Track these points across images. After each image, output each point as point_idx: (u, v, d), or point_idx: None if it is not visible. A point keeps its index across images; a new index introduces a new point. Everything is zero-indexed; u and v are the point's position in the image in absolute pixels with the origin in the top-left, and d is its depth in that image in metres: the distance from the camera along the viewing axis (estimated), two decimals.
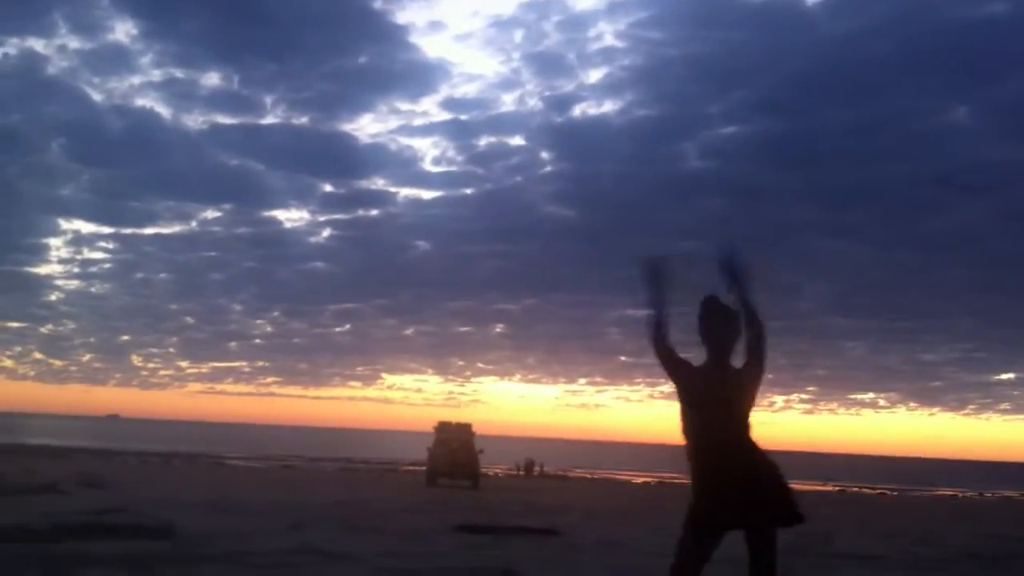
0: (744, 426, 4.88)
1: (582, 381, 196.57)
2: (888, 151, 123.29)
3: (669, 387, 5.05)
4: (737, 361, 4.97)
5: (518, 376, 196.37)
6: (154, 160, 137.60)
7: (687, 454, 4.94)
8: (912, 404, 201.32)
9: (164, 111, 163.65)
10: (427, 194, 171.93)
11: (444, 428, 34.99)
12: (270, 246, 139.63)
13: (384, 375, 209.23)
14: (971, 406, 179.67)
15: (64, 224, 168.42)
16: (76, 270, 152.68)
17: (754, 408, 4.94)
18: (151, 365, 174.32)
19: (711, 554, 4.83)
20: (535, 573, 9.73)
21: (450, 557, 11.10)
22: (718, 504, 4.76)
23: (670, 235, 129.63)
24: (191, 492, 21.17)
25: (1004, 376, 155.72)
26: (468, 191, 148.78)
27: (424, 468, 34.99)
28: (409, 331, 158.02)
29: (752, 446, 4.88)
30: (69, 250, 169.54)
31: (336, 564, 10.13)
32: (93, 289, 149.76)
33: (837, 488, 59.07)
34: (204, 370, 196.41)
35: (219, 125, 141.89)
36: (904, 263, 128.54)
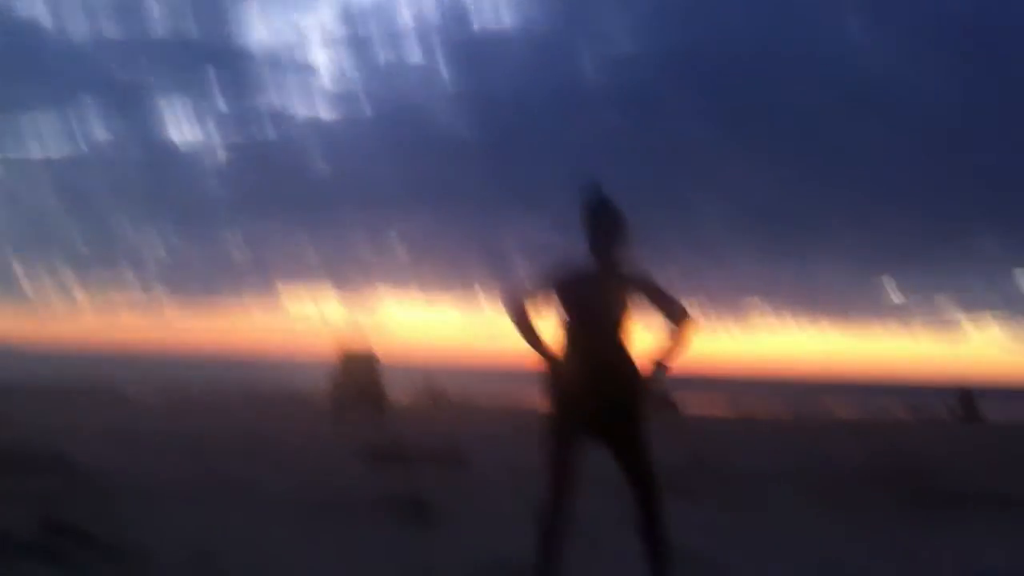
0: (620, 336, 4.81)
1: (484, 300, 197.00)
2: (786, 67, 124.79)
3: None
4: (623, 265, 4.88)
5: (421, 296, 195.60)
6: (40, 76, 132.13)
7: (552, 361, 4.87)
8: (804, 322, 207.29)
9: (48, 23, 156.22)
10: (325, 113, 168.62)
11: (347, 355, 34.82)
12: (163, 167, 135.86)
13: (284, 296, 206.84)
14: (856, 319, 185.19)
15: None
16: None
17: (634, 319, 4.84)
18: (42, 291, 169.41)
19: (579, 464, 4.81)
20: (444, 501, 9.82)
21: (355, 487, 11.12)
22: (575, 408, 4.76)
23: (570, 152, 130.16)
24: (85, 424, 20.76)
25: (891, 291, 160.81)
26: (367, 110, 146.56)
27: (327, 397, 34.86)
28: (309, 251, 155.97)
29: (623, 357, 4.81)
30: None
31: (238, 495, 10.07)
32: None
33: (732, 407, 60.69)
34: (97, 295, 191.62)
35: (106, 39, 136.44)
36: (796, 178, 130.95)
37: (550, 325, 4.88)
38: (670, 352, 4.82)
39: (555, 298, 4.85)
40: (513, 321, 4.90)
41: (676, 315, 4.83)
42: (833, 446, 22.77)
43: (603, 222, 4.84)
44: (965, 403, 57.88)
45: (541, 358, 4.86)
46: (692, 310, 4.82)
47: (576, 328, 4.82)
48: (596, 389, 4.74)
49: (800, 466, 16.39)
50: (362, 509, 9.01)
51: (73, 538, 6.53)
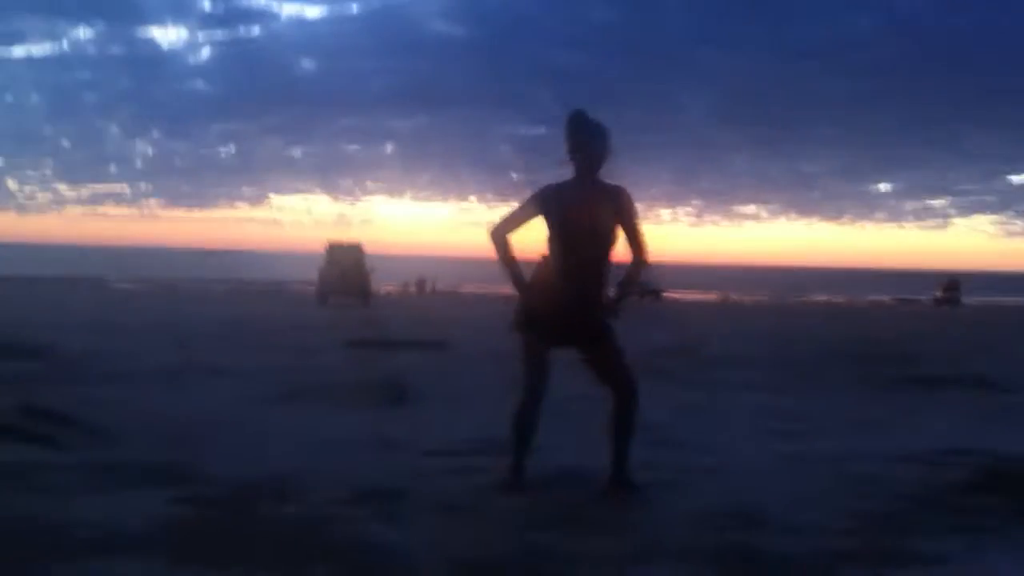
0: (607, 250, 4.97)
1: (473, 199, 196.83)
2: None
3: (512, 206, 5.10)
4: (606, 178, 5.00)
5: (409, 195, 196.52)
6: None
7: (541, 266, 5.06)
8: (792, 215, 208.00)
9: None
10: (311, 10, 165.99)
11: (334, 248, 34.88)
12: (147, 66, 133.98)
13: (272, 195, 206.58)
14: (848, 215, 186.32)
15: None
16: None
17: (617, 235, 4.98)
18: (27, 188, 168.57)
19: (550, 351, 5.05)
20: (424, 383, 9.94)
21: (338, 371, 11.23)
22: (552, 320, 4.95)
23: (558, 49, 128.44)
24: (73, 315, 20.83)
25: (881, 186, 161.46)
26: (353, 7, 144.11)
27: (314, 288, 34.99)
28: (296, 151, 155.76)
29: (605, 274, 5.00)
30: None
31: (222, 379, 10.17)
32: None
33: (719, 297, 61.16)
34: (84, 193, 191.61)
35: None
36: (786, 74, 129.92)
37: (537, 239, 5.06)
38: (626, 282, 5.12)
39: (543, 212, 4.97)
40: (497, 252, 5.11)
41: (639, 251, 5.04)
42: (814, 331, 23.05)
43: (585, 137, 4.93)
44: (949, 290, 58.59)
45: (515, 284, 5.10)
46: (648, 253, 5.04)
47: (560, 241, 4.96)
48: (567, 306, 4.93)
49: (777, 350, 16.62)
50: (342, 391, 9.11)
51: (52, 420, 6.60)
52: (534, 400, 5.03)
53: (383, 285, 49.38)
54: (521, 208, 5.05)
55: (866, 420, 8.36)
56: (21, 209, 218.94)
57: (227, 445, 6.42)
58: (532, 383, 5.03)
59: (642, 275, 5.16)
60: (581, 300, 4.93)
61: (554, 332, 4.99)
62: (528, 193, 5.07)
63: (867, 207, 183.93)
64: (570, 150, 4.98)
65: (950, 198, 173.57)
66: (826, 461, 6.01)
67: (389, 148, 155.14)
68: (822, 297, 68.26)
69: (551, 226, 4.97)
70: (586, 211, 4.90)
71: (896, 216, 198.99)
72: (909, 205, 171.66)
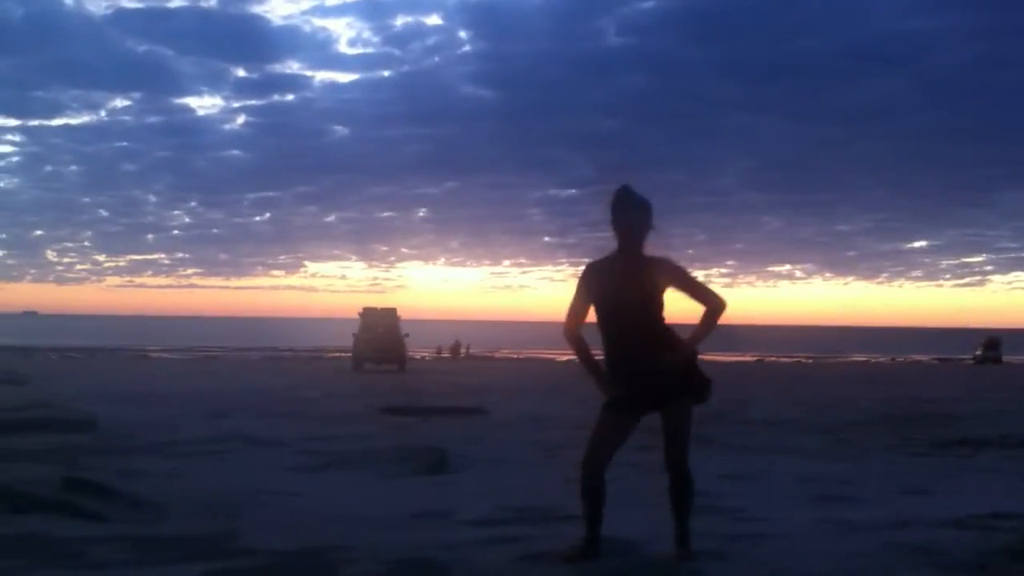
0: (655, 318, 4.98)
1: (506, 263, 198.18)
2: (805, 24, 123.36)
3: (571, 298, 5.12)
4: (648, 251, 5.03)
5: (442, 260, 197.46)
6: (58, 48, 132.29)
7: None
8: (827, 274, 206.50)
9: None
10: (343, 77, 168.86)
11: (369, 313, 35.03)
12: (183, 134, 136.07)
13: (307, 263, 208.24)
14: (884, 274, 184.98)
15: None
16: None
17: (664, 296, 4.99)
18: (67, 260, 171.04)
19: (629, 433, 5.03)
20: (462, 450, 9.91)
21: (377, 439, 11.24)
22: (632, 390, 4.92)
23: (591, 113, 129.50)
24: (114, 386, 21.01)
25: (916, 244, 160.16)
26: (385, 73, 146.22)
27: (350, 354, 35.09)
28: (331, 218, 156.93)
29: (661, 336, 4.97)
30: None
31: (262, 449, 10.20)
32: (1, 184, 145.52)
33: (755, 358, 60.69)
34: (122, 263, 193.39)
35: (124, 9, 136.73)
36: (819, 136, 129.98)
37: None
38: (699, 332, 5.07)
39: (588, 292, 5.03)
40: (574, 352, 5.11)
41: (709, 301, 5.05)
42: (854, 393, 22.78)
43: (628, 212, 4.99)
44: (990, 348, 57.77)
45: (596, 380, 5.06)
46: (723, 300, 5.06)
47: (611, 319, 4.99)
48: (637, 377, 4.91)
49: (817, 413, 16.43)
50: (380, 459, 9.09)
51: (94, 493, 6.64)
52: (594, 465, 4.95)
53: (418, 350, 49.52)
54: (576, 295, 5.07)
55: (910, 485, 8.22)
56: (60, 280, 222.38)
57: (266, 516, 6.42)
58: (595, 447, 4.97)
59: (718, 321, 5.07)
60: (642, 366, 4.90)
61: (634, 404, 4.97)
62: (567, 265, 5.10)
63: (904, 265, 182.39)
64: (614, 224, 5.00)
65: (987, 255, 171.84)
66: (873, 528, 5.91)
67: (422, 213, 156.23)
68: (860, 357, 67.57)
69: (598, 306, 5.00)
70: (627, 284, 4.92)
71: (933, 274, 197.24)
72: (946, 263, 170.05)
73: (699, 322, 5.07)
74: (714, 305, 5.04)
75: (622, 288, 4.93)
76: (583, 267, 5.11)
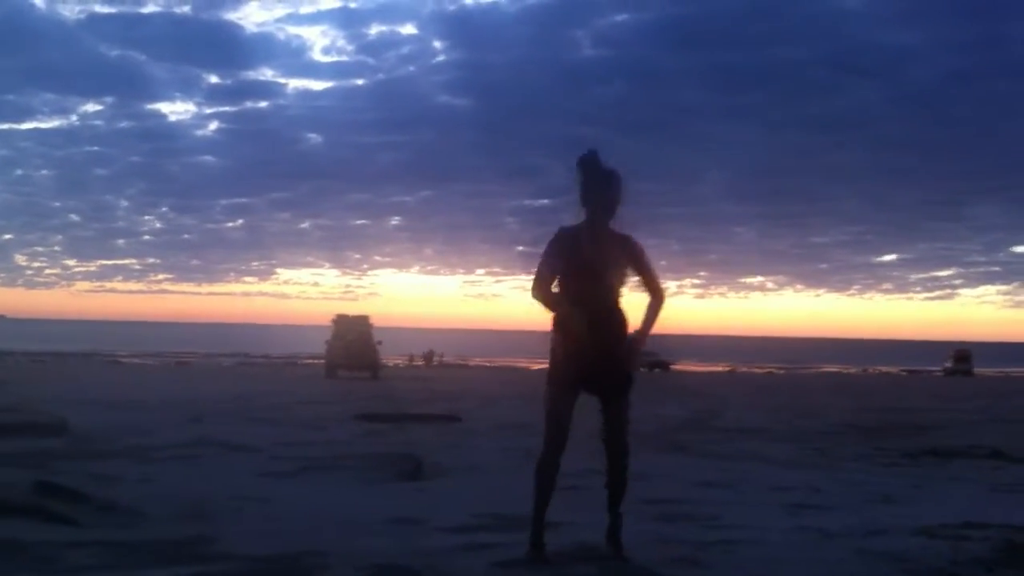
0: (615, 294, 5.02)
1: (480, 272, 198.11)
2: (781, 34, 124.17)
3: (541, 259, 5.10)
4: (616, 225, 5.05)
5: (416, 268, 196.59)
6: (30, 52, 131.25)
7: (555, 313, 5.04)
8: (799, 286, 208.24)
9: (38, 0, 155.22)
10: (317, 85, 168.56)
11: (342, 321, 34.97)
12: (155, 140, 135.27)
13: (279, 270, 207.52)
14: (855, 287, 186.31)
15: None
16: None
17: (627, 278, 5.05)
18: (36, 264, 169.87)
19: (574, 404, 5.06)
20: (437, 457, 9.91)
21: (350, 444, 11.22)
22: (579, 366, 4.95)
23: (566, 123, 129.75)
24: (85, 390, 20.86)
25: (887, 257, 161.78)
26: (359, 81, 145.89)
27: (323, 361, 35.00)
28: (304, 224, 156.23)
29: (619, 313, 5.03)
30: None
31: (235, 454, 10.16)
32: None
33: (728, 368, 60.99)
34: (92, 268, 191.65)
35: (97, 14, 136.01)
36: (794, 146, 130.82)
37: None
38: (645, 324, 5.11)
39: (557, 256, 5.00)
40: (545, 307, 5.06)
41: (654, 293, 5.11)
42: (825, 402, 22.94)
43: (597, 181, 4.98)
44: (961, 360, 58.30)
45: (555, 312, 5.03)
46: (665, 293, 5.12)
47: (573, 283, 5.00)
48: (591, 343, 4.93)
49: (789, 422, 16.54)
50: (355, 466, 9.09)
51: (67, 497, 6.59)
52: (552, 451, 5.04)
53: (391, 357, 49.44)
54: (545, 259, 5.02)
55: (881, 493, 8.29)
56: (30, 284, 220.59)
57: (241, 521, 6.40)
58: (551, 435, 5.04)
59: (659, 317, 5.12)
60: (602, 343, 4.93)
61: (579, 375, 4.97)
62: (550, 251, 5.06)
63: (875, 278, 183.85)
64: (582, 195, 4.99)
65: (957, 269, 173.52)
66: (846, 536, 5.96)
67: (396, 221, 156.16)
68: (831, 368, 67.99)
69: (563, 270, 4.98)
70: (598, 256, 4.94)
71: (904, 287, 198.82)
72: (916, 276, 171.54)
73: (646, 312, 5.10)
74: (661, 296, 5.12)
75: (591, 259, 4.94)
76: (557, 230, 5.06)
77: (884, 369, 67.05)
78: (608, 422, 5.10)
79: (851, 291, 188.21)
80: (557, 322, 5.04)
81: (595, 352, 4.92)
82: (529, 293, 5.07)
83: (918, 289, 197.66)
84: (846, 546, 5.63)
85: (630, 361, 5.04)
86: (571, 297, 4.97)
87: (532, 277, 5.06)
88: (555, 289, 5.04)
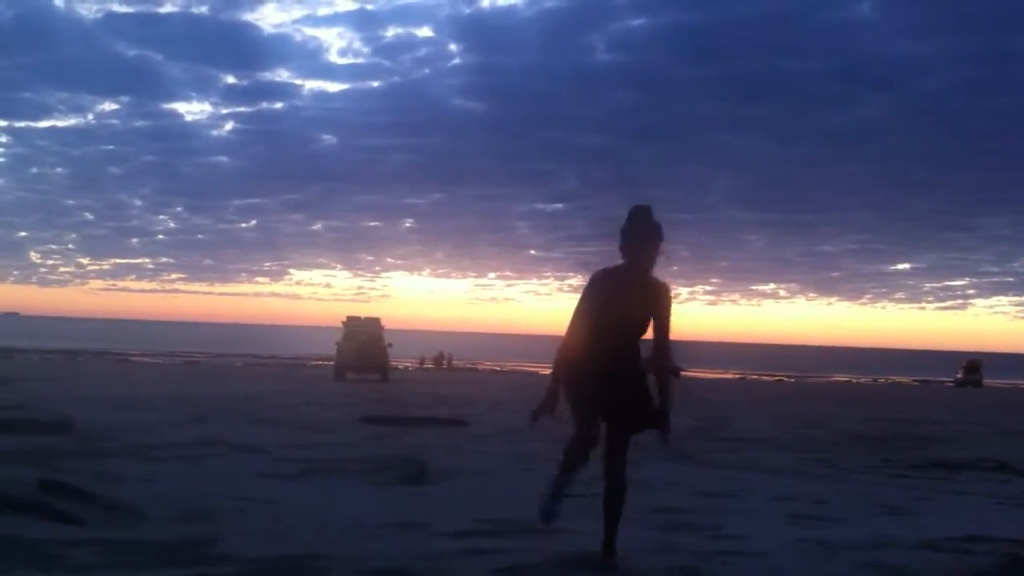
0: (636, 336, 5.12)
1: (492, 275, 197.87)
2: (794, 45, 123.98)
3: (578, 281, 5.24)
4: (654, 273, 5.12)
5: (427, 271, 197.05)
6: (47, 50, 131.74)
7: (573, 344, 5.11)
8: (811, 294, 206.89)
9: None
10: (332, 86, 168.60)
11: (352, 323, 34.96)
12: (170, 139, 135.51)
13: (292, 271, 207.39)
14: (867, 295, 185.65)
15: None
16: None
17: (649, 325, 5.12)
18: (50, 262, 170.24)
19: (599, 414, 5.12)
20: (442, 461, 9.89)
21: (356, 447, 11.22)
22: (594, 394, 5.05)
23: (579, 128, 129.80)
24: (94, 388, 20.92)
25: (900, 266, 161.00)
26: (375, 84, 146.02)
27: (333, 363, 35.01)
28: (317, 226, 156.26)
29: (635, 357, 5.13)
30: None
31: (240, 455, 10.16)
32: None
33: (737, 376, 60.85)
34: (106, 267, 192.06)
35: (114, 13, 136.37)
36: (806, 157, 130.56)
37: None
38: (663, 397, 5.14)
39: (596, 298, 5.10)
40: (563, 363, 5.14)
41: (662, 341, 5.13)
42: (834, 412, 22.86)
43: (640, 230, 5.09)
44: (971, 372, 58.06)
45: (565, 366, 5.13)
46: (670, 345, 5.16)
47: (605, 325, 5.07)
48: (607, 382, 5.03)
49: (797, 431, 16.49)
50: (360, 468, 9.08)
51: (72, 496, 6.61)
52: (585, 441, 5.05)
53: (401, 360, 49.48)
54: (586, 301, 5.11)
55: (888, 505, 8.25)
56: (43, 281, 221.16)
57: (245, 523, 6.40)
58: (583, 431, 5.06)
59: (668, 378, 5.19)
60: (616, 374, 5.03)
61: (595, 400, 5.04)
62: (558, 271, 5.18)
63: (887, 287, 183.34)
64: (630, 239, 5.06)
65: (969, 279, 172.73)
66: (850, 548, 5.93)
67: (408, 223, 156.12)
68: (842, 377, 67.78)
69: (593, 307, 5.06)
70: (634, 302, 5.03)
71: (916, 297, 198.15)
72: (929, 286, 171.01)
73: (658, 380, 5.14)
74: (668, 346, 5.14)
75: (629, 303, 5.03)
76: (594, 273, 5.16)
77: (895, 379, 66.85)
78: (612, 446, 5.14)
79: (863, 300, 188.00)
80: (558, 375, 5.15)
81: (608, 392, 5.03)
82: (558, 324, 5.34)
83: (931, 299, 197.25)
84: (849, 559, 5.60)
85: (665, 431, 5.10)
86: (594, 335, 5.05)
87: (543, 281, 5.15)
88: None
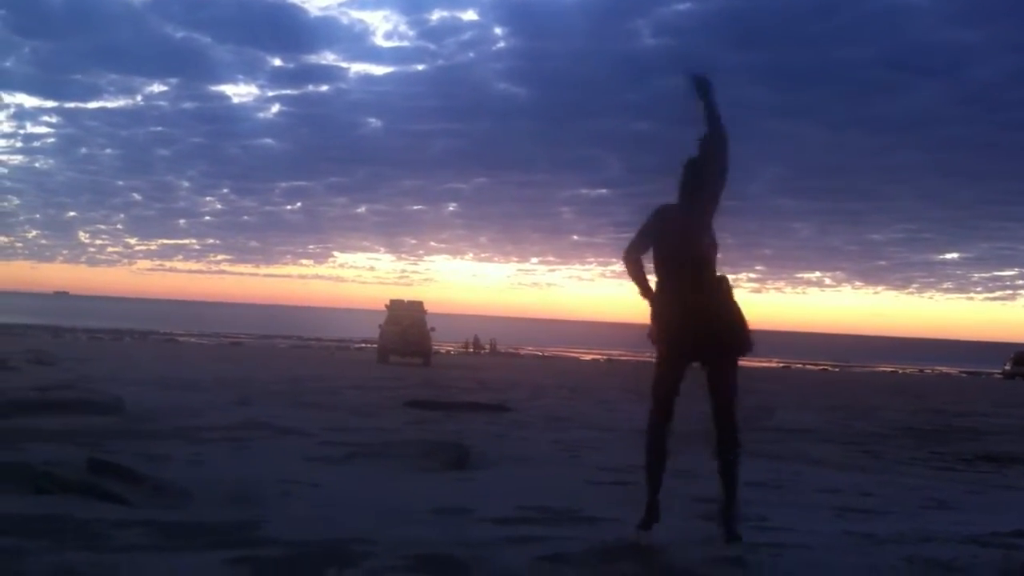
0: (709, 268, 5.19)
1: (534, 260, 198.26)
2: (843, 32, 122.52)
3: (621, 267, 5.27)
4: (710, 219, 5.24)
5: (470, 255, 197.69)
6: (98, 32, 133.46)
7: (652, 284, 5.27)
8: (857, 283, 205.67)
9: None
10: (378, 70, 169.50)
11: (396, 306, 35.03)
12: (218, 122, 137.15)
13: (336, 253, 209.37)
14: (915, 285, 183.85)
15: (6, 98, 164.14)
16: (19, 145, 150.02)
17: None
18: (99, 242, 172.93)
19: (683, 375, 5.27)
20: (485, 447, 9.92)
21: (399, 432, 11.27)
22: (682, 336, 5.16)
23: (624, 114, 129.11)
24: (141, 369, 21.18)
25: (948, 256, 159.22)
26: (420, 67, 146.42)
27: (376, 346, 35.16)
28: (361, 209, 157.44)
29: (715, 284, 5.19)
30: (11, 124, 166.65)
31: (285, 438, 10.25)
32: (37, 164, 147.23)
33: (782, 364, 60.39)
34: (153, 247, 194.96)
35: None
36: (854, 145, 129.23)
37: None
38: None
39: (653, 236, 5.22)
40: (628, 270, 5.32)
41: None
42: (880, 403, 22.62)
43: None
44: (1020, 363, 57.15)
45: (646, 296, 5.30)
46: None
47: (668, 264, 5.19)
48: (693, 322, 5.13)
49: (842, 422, 16.33)
50: (403, 453, 9.11)
51: (120, 477, 6.70)
52: (663, 416, 5.22)
53: (443, 344, 49.61)
54: (641, 229, 5.28)
55: (934, 499, 8.16)
56: (92, 261, 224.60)
57: (290, 506, 6.46)
58: (659, 397, 5.22)
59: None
60: (704, 310, 5.12)
61: (685, 343, 5.15)
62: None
63: (935, 277, 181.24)
64: (684, 184, 5.19)
65: (1019, 269, 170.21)
66: (895, 542, 5.86)
67: (452, 208, 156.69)
68: (888, 367, 67.06)
69: (658, 247, 5.22)
70: (691, 238, 5.13)
71: (964, 287, 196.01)
72: (977, 275, 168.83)
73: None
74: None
75: (686, 241, 5.14)
76: (656, 208, 5.30)
77: (942, 369, 66.05)
78: (715, 392, 5.25)
79: (910, 289, 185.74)
80: (654, 312, 5.26)
81: (696, 326, 5.10)
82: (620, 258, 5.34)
83: (979, 289, 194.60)
84: (895, 552, 5.53)
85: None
86: (665, 278, 5.17)
87: (586, 267, 5.24)
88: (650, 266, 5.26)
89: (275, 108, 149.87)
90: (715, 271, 5.21)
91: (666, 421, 5.25)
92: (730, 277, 5.35)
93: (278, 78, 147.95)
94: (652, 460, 5.26)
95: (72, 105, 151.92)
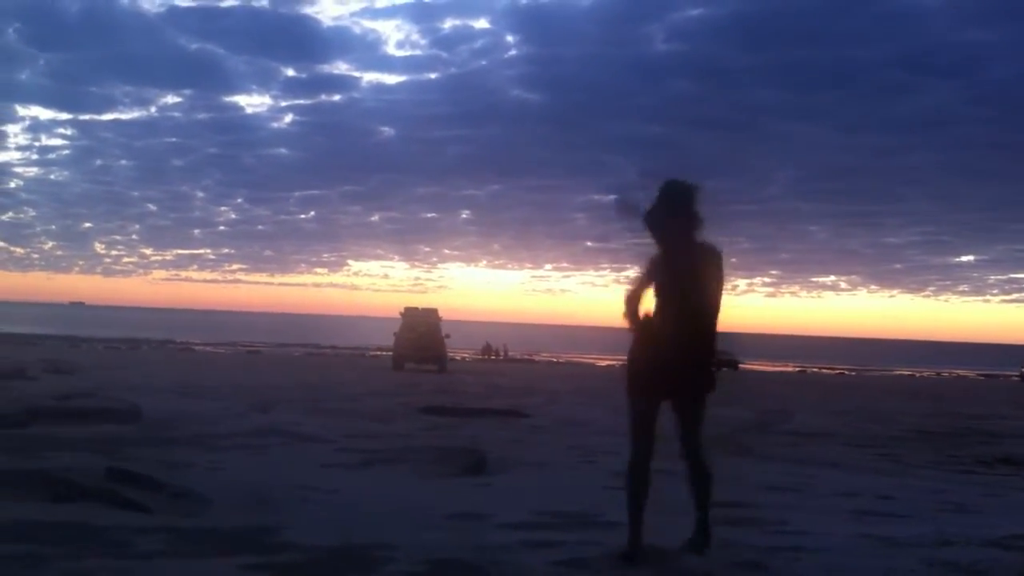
0: (709, 308, 5.07)
1: (548, 267, 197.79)
2: (856, 33, 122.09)
3: (635, 273, 5.24)
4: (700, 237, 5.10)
5: (484, 262, 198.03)
6: (112, 44, 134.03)
7: (640, 324, 5.14)
8: (873, 286, 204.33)
9: None
10: (391, 79, 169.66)
11: (410, 313, 35.09)
12: (232, 132, 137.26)
13: (350, 261, 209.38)
14: (931, 288, 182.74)
15: (21, 110, 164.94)
16: (35, 157, 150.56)
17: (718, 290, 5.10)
18: (114, 252, 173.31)
19: (658, 410, 5.18)
20: (501, 452, 9.92)
21: (416, 438, 11.28)
22: (658, 376, 5.09)
23: (637, 118, 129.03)
24: (158, 377, 21.26)
25: (964, 259, 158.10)
26: (432, 75, 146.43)
27: (391, 353, 35.20)
28: (375, 217, 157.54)
29: (704, 333, 5.09)
30: (27, 136, 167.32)
31: (302, 444, 10.28)
32: (52, 176, 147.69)
33: (798, 368, 60.20)
34: (168, 257, 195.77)
35: (177, 8, 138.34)
36: (869, 146, 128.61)
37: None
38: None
39: (653, 273, 5.12)
40: (626, 307, 5.20)
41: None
42: (897, 406, 22.53)
43: (680, 201, 5.07)
44: None
45: (635, 330, 5.19)
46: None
47: (667, 299, 5.09)
48: (677, 358, 5.04)
49: (859, 425, 16.27)
50: (420, 459, 9.13)
51: (139, 484, 6.73)
52: (642, 457, 5.12)
53: (458, 351, 49.62)
54: (640, 275, 5.18)
55: (953, 502, 8.12)
56: (108, 272, 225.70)
57: (308, 512, 6.47)
58: (638, 441, 5.13)
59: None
60: (693, 355, 5.04)
61: (661, 386, 5.09)
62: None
63: (951, 279, 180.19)
64: (668, 216, 5.06)
65: None
66: (913, 545, 5.84)
67: (465, 215, 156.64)
68: (904, 370, 66.77)
69: (659, 284, 5.10)
70: (693, 275, 5.02)
71: (980, 289, 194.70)
72: (994, 278, 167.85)
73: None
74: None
75: (690, 278, 5.04)
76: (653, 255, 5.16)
77: (959, 372, 65.74)
78: (685, 434, 5.16)
79: (926, 292, 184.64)
80: (639, 338, 5.16)
81: (680, 363, 5.03)
82: (620, 299, 5.23)
83: (995, 291, 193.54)
84: (914, 556, 5.51)
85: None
86: (664, 315, 5.05)
87: (600, 273, 5.18)
88: (652, 302, 5.13)
89: (289, 118, 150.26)
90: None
91: (648, 460, 5.16)
92: (743, 283, 5.30)
93: (292, 88, 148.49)
94: (638, 492, 5.14)
95: (87, 117, 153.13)
